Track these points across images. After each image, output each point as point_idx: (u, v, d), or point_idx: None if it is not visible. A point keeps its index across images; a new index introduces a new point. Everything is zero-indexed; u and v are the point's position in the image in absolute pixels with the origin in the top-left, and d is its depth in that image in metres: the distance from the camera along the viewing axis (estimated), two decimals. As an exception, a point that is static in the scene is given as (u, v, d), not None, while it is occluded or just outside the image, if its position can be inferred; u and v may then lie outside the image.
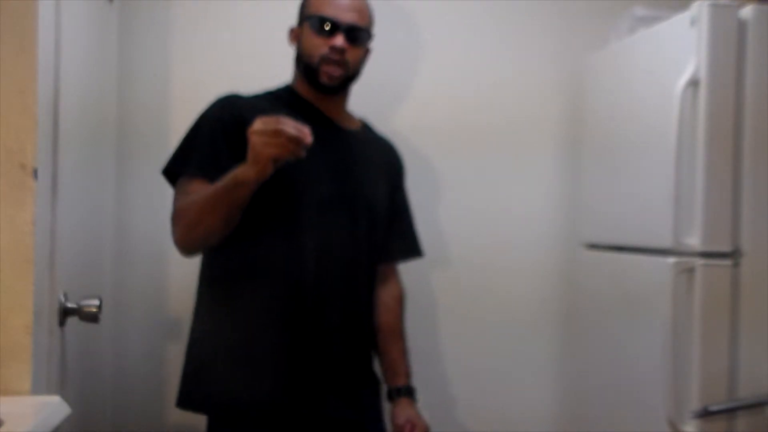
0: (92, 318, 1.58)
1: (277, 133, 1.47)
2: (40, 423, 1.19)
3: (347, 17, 1.74)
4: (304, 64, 1.77)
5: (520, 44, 2.37)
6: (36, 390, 1.35)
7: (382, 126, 2.01)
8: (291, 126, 1.47)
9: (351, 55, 1.75)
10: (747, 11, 1.73)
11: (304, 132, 1.48)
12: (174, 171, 1.72)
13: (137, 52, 2.19)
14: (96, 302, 1.59)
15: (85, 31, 1.78)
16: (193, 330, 1.78)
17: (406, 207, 1.98)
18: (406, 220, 1.98)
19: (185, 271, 2.18)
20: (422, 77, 2.33)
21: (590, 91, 2.24)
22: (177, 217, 1.68)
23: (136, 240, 2.18)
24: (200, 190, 1.64)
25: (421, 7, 2.31)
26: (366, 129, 1.94)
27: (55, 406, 1.28)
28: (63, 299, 1.55)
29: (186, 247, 1.70)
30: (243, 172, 1.53)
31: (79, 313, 1.57)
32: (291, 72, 1.85)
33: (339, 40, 1.72)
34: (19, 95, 1.33)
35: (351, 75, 1.78)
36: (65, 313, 1.55)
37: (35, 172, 1.34)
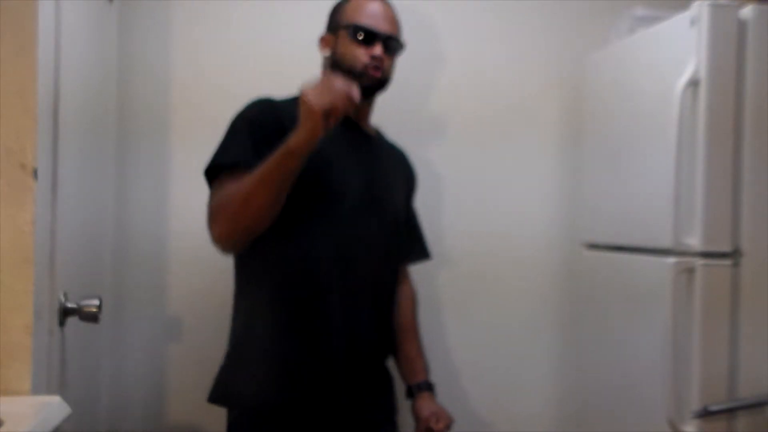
0: (92, 318, 1.58)
1: (329, 83, 1.51)
2: (40, 423, 1.19)
3: (385, 27, 1.79)
4: (346, 71, 1.76)
5: (520, 44, 2.37)
6: (36, 390, 1.35)
7: (383, 123, 2.01)
8: (340, 79, 1.53)
9: (387, 64, 1.79)
10: (747, 11, 1.73)
11: (352, 85, 1.53)
12: (214, 166, 1.68)
13: (137, 53, 2.18)
14: (96, 302, 1.59)
15: (85, 31, 1.78)
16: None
17: (414, 211, 2.06)
18: (417, 224, 2.06)
19: (185, 271, 2.19)
20: (422, 77, 2.33)
21: (590, 91, 2.24)
22: (217, 212, 1.64)
23: (136, 240, 2.18)
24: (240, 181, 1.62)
25: (421, 8, 2.31)
26: (380, 136, 1.97)
27: (55, 406, 1.28)
28: (63, 299, 1.55)
29: (229, 240, 1.65)
30: (294, 137, 1.53)
31: (79, 313, 1.57)
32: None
33: (378, 50, 1.76)
34: (19, 95, 1.33)
35: (383, 81, 1.81)
36: (65, 313, 1.55)
37: (35, 172, 1.34)
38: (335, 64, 1.80)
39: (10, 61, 1.32)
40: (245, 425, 1.74)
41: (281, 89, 1.78)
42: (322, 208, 1.72)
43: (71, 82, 1.59)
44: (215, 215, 1.64)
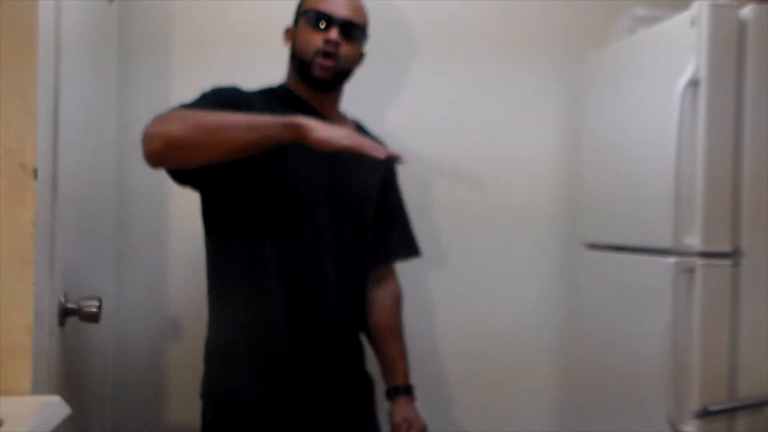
0: (92, 318, 1.58)
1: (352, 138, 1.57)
2: (40, 423, 1.19)
3: (343, 12, 1.76)
4: (299, 60, 1.79)
5: (520, 44, 2.37)
6: (36, 390, 1.35)
7: (378, 125, 2.01)
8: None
9: (344, 51, 1.76)
10: (747, 11, 1.73)
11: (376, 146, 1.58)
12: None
13: (137, 52, 2.18)
14: (96, 302, 1.59)
15: (85, 31, 1.78)
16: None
17: (400, 206, 1.99)
18: (401, 219, 1.99)
19: (185, 271, 2.19)
20: (422, 78, 2.33)
21: (590, 91, 2.24)
22: (173, 117, 1.59)
23: (136, 240, 2.18)
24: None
25: (421, 8, 2.31)
26: (358, 129, 1.94)
27: (55, 406, 1.28)
28: (63, 299, 1.54)
29: (157, 153, 1.59)
30: (281, 131, 1.55)
31: (79, 313, 1.57)
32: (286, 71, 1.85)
33: (334, 34, 1.74)
34: (19, 95, 1.33)
35: (343, 70, 1.79)
36: (65, 313, 1.55)
37: (35, 172, 1.34)
38: (292, 55, 1.81)
39: (10, 61, 1.32)
40: (215, 421, 1.75)
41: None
42: (276, 206, 1.71)
43: (71, 82, 1.59)
44: (169, 118, 1.59)
